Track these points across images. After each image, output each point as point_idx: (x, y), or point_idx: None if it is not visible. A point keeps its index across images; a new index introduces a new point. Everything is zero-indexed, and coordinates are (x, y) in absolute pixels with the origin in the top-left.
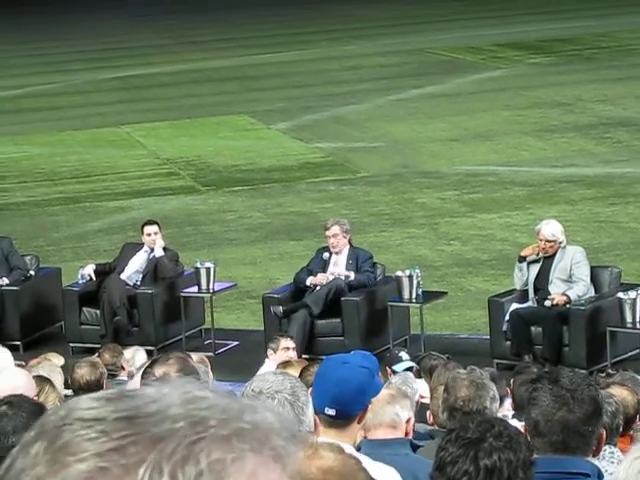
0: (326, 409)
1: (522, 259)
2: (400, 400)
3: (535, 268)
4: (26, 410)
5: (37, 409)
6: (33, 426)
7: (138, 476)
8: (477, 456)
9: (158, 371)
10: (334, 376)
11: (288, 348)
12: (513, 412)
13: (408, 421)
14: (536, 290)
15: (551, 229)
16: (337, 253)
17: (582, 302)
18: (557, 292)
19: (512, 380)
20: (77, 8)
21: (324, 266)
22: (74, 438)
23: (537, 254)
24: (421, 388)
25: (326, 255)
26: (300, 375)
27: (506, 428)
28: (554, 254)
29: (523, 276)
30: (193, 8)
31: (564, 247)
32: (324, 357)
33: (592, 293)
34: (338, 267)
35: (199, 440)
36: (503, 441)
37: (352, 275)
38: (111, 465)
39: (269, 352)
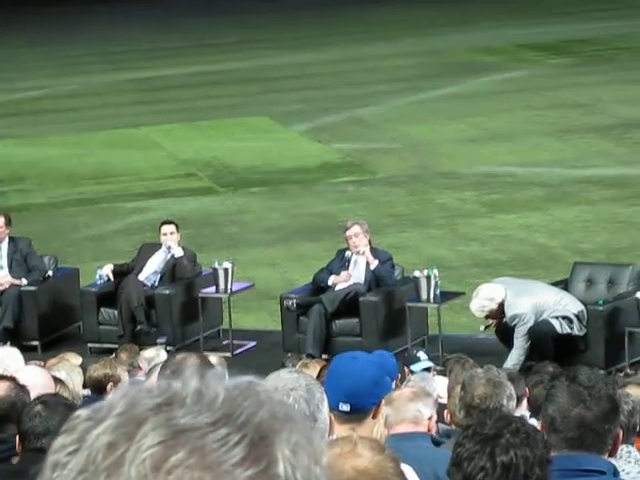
0: (340, 405)
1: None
2: (423, 398)
3: None
4: (60, 413)
5: (71, 413)
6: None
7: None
8: (494, 452)
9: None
10: (345, 371)
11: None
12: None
13: (430, 418)
14: None
15: (477, 306)
16: (358, 253)
17: (600, 302)
18: None
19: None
20: (94, 9)
21: (345, 267)
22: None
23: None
24: (440, 387)
25: (348, 254)
26: (318, 375)
27: (523, 425)
28: (503, 315)
29: None
30: (211, 10)
31: (506, 304)
32: None
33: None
34: (359, 267)
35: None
36: (520, 438)
37: (376, 262)
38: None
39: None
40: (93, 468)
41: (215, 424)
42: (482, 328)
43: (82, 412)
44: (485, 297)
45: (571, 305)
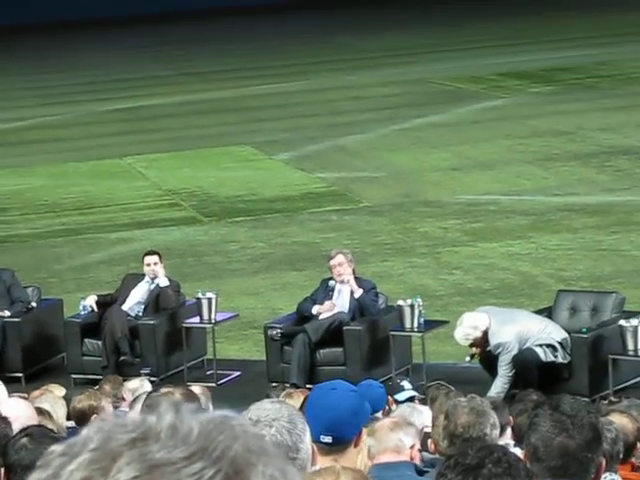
0: (322, 437)
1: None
2: (404, 427)
3: None
4: (46, 445)
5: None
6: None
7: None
8: None
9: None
10: (325, 403)
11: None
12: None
13: (412, 447)
14: None
15: (461, 334)
16: (342, 282)
17: (584, 330)
18: None
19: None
20: (78, 40)
21: (329, 296)
22: None
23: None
24: (426, 417)
25: (332, 283)
26: (301, 405)
27: (505, 454)
28: (487, 344)
29: None
30: (194, 39)
31: (489, 333)
32: None
33: (509, 377)
34: (342, 297)
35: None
36: (502, 467)
37: (360, 291)
38: None
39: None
40: None
41: (190, 458)
42: (467, 359)
43: (57, 447)
44: (469, 325)
45: (555, 333)
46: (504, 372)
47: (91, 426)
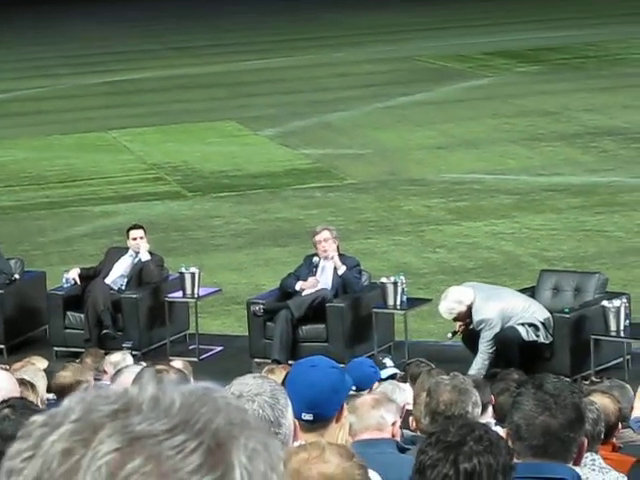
0: (303, 415)
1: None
2: (385, 404)
3: None
4: (28, 417)
5: None
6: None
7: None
8: (457, 460)
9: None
10: (305, 381)
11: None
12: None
13: (394, 424)
14: None
15: (445, 308)
16: (326, 258)
17: (566, 310)
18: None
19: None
20: (64, 12)
21: (313, 272)
22: None
23: (461, 330)
24: (408, 394)
25: (316, 259)
26: (283, 381)
27: (486, 432)
28: (470, 319)
29: None
30: (182, 14)
31: (474, 308)
32: None
33: (489, 353)
34: (326, 273)
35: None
36: (483, 445)
37: (343, 268)
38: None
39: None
40: (48, 475)
41: (172, 431)
42: (449, 336)
43: (38, 418)
44: (454, 300)
45: (538, 313)
46: (485, 349)
47: (73, 397)
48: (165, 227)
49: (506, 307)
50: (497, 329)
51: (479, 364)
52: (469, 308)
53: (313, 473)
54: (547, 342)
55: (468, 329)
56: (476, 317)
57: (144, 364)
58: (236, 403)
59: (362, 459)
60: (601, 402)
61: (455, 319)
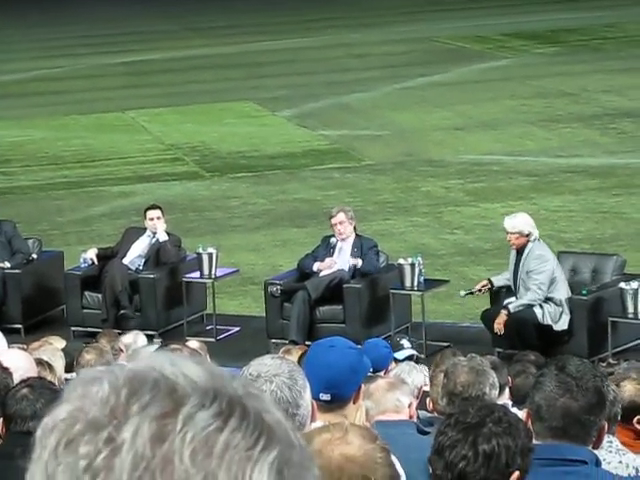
0: (321, 395)
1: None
2: (399, 386)
3: (512, 264)
4: (47, 397)
5: (57, 397)
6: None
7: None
8: (476, 441)
9: None
10: (323, 361)
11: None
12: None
13: (410, 405)
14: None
15: (512, 221)
16: (343, 240)
17: (584, 292)
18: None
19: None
20: None
21: (330, 253)
22: None
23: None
24: (425, 376)
25: (333, 240)
26: (299, 360)
27: (506, 414)
28: (524, 249)
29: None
30: None
31: (533, 241)
32: None
33: (538, 297)
34: (343, 254)
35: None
36: (502, 427)
37: (359, 262)
38: None
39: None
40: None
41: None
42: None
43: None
44: (524, 221)
45: (563, 292)
46: (535, 289)
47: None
48: (183, 207)
49: (557, 266)
50: (547, 276)
51: (524, 300)
52: (528, 238)
53: (335, 454)
54: (565, 328)
55: (488, 290)
56: (536, 250)
57: (157, 344)
58: (254, 390)
59: (385, 441)
60: (634, 389)
61: (509, 237)
